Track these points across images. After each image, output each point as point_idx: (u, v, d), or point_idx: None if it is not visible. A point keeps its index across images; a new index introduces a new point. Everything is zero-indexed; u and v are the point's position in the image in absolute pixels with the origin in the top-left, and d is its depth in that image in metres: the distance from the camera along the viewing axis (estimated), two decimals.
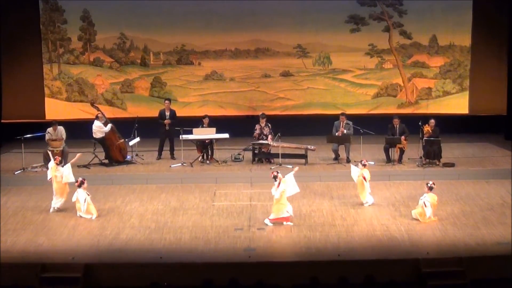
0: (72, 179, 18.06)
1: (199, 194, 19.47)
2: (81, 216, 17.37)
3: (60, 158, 19.11)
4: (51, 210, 18.06)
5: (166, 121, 22.64)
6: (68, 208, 18.00)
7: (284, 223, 16.76)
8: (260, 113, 23.14)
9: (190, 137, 21.88)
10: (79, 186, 17.36)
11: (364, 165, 18.15)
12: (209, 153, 22.41)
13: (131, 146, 22.32)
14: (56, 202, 18.07)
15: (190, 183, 20.61)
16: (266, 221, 16.79)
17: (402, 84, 27.19)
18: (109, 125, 21.95)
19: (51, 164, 18.31)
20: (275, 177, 16.81)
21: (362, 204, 18.25)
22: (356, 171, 18.26)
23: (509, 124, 25.58)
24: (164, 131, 22.73)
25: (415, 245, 15.36)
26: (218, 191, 19.78)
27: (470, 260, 14.46)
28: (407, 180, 20.49)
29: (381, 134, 22.15)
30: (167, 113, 22.80)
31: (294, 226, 16.66)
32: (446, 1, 26.44)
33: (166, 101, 23.14)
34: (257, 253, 14.98)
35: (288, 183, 16.89)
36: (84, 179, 17.62)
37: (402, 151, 21.71)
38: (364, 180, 17.97)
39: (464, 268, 14.30)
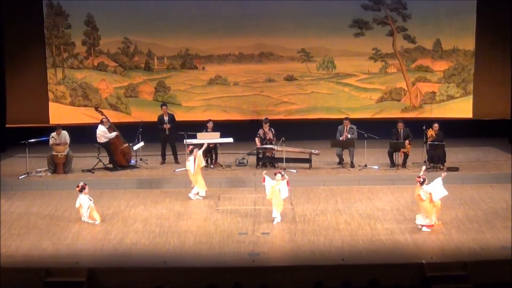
0: (203, 163, 19.56)
1: (203, 199, 19.46)
2: (84, 221, 17.38)
3: (192, 147, 19.52)
4: (194, 197, 19.27)
5: (166, 126, 22.69)
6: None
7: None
8: (263, 117, 23.13)
9: (194, 141, 21.85)
10: (80, 191, 17.36)
11: (283, 176, 17.46)
12: (213, 158, 22.42)
13: (135, 150, 22.35)
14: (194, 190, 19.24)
15: None
16: (425, 229, 16.50)
17: (406, 88, 27.18)
18: (114, 133, 21.97)
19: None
20: (424, 181, 16.59)
21: (366, 207, 18.34)
22: (270, 183, 17.41)
23: None
24: (164, 136, 22.78)
25: (419, 249, 15.35)
26: (222, 196, 19.78)
27: (474, 264, 14.44)
28: (411, 185, 20.38)
29: (385, 138, 22.14)
30: (166, 118, 22.86)
31: (298, 230, 16.66)
32: (450, 6, 26.43)
33: (163, 107, 23.23)
34: (261, 258, 14.97)
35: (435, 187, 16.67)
36: (85, 184, 17.59)
37: (406, 156, 21.70)
38: (278, 192, 17.26)
39: (468, 272, 14.28)
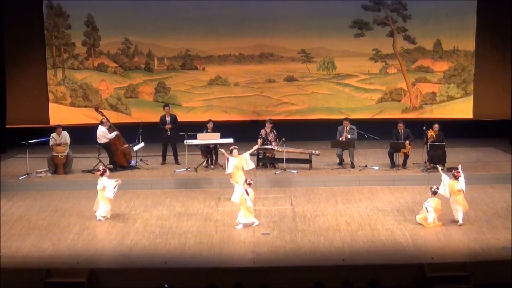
0: (252, 166, 19.65)
1: (204, 199, 19.48)
2: (98, 216, 17.62)
3: (232, 147, 19.50)
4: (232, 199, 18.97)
5: (167, 126, 22.70)
6: (77, 213, 18.13)
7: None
8: (268, 118, 23.15)
9: (194, 142, 21.90)
10: (102, 175, 17.60)
11: (250, 184, 17.27)
12: (214, 158, 22.43)
13: (136, 151, 22.35)
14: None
15: (194, 188, 20.63)
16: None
17: (406, 89, 27.18)
18: (114, 133, 21.99)
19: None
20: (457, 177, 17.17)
21: (366, 208, 18.39)
22: (239, 191, 17.42)
23: None
24: (165, 136, 22.79)
25: (420, 250, 15.36)
26: (222, 196, 19.76)
27: (474, 264, 14.44)
28: (411, 185, 20.48)
29: (386, 139, 22.14)
30: (168, 118, 22.87)
31: (299, 231, 16.67)
32: (450, 6, 26.42)
33: (166, 108, 23.21)
34: (262, 258, 14.98)
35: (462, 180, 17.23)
36: (106, 168, 18.01)
37: (406, 156, 21.70)
38: (246, 200, 17.04)
39: (468, 273, 14.28)
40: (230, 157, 19.10)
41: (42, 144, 22.07)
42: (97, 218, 17.63)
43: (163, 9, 26.44)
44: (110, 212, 17.77)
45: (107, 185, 17.48)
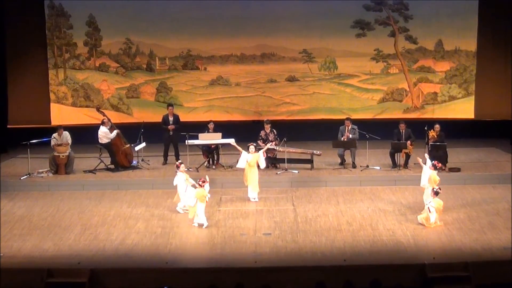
0: (263, 165, 19.71)
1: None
2: (179, 209, 18.12)
3: (253, 143, 19.61)
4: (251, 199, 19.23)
5: (170, 127, 22.67)
6: (74, 213, 18.14)
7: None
8: (265, 119, 23.17)
9: (195, 142, 21.91)
10: (177, 168, 17.99)
11: (201, 185, 17.17)
12: (215, 158, 22.43)
13: (137, 151, 22.35)
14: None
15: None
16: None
17: (407, 89, 27.17)
18: (115, 132, 21.98)
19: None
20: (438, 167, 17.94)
21: (367, 208, 18.39)
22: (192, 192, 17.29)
23: None
24: (168, 137, 22.76)
25: (421, 250, 15.35)
26: (224, 196, 19.77)
27: (476, 265, 14.42)
28: (413, 185, 20.42)
29: (387, 139, 22.13)
30: (171, 118, 22.84)
31: (300, 231, 16.66)
32: (451, 6, 26.41)
33: (170, 107, 23.21)
34: (263, 258, 14.96)
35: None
36: (181, 162, 18.30)
37: (408, 156, 21.70)
38: (199, 201, 16.98)
39: (469, 273, 14.27)
40: (244, 152, 19.15)
41: (44, 144, 22.06)
42: (178, 209, 18.20)
43: (165, 9, 26.45)
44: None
45: (179, 185, 17.84)
